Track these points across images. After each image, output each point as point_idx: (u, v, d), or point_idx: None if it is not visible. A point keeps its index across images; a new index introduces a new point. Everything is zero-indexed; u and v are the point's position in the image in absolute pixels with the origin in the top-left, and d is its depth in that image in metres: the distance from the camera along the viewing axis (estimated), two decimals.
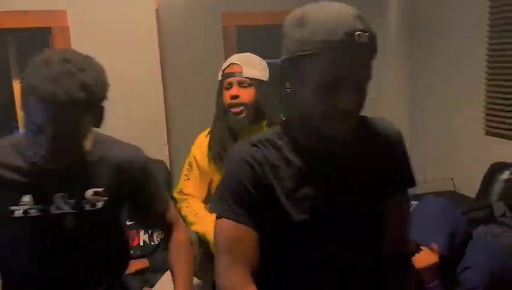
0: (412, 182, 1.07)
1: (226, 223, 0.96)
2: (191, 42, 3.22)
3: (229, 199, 0.96)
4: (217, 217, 0.99)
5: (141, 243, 2.22)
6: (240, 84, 1.68)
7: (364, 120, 1.03)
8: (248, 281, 0.93)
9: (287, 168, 0.97)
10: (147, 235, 2.24)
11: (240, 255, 0.94)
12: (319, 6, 0.90)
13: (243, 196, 0.95)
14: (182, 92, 3.18)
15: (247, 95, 1.68)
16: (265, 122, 1.72)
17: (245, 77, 1.68)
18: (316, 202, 0.96)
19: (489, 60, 2.91)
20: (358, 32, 0.84)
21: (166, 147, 2.99)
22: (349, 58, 0.86)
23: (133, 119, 2.93)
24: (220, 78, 1.75)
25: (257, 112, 1.70)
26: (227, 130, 1.73)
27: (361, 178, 0.98)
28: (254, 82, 1.69)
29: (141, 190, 1.29)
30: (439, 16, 3.35)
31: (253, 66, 1.71)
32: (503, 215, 2.35)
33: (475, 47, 3.00)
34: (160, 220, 1.37)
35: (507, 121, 2.80)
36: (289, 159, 0.97)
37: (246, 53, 1.78)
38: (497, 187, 2.58)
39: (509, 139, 2.81)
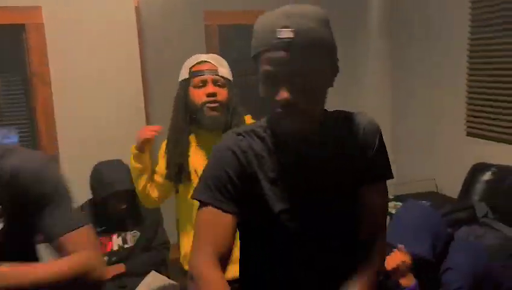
0: (388, 175, 1.06)
1: (206, 209, 0.99)
2: (172, 40, 3.15)
3: (211, 185, 0.99)
4: (200, 204, 1.01)
5: (115, 248, 2.14)
6: (215, 82, 1.59)
7: (337, 115, 1.05)
8: (214, 264, 0.95)
9: (269, 159, 1.01)
10: (120, 238, 2.16)
11: (211, 239, 0.97)
12: (271, 12, 0.96)
13: (226, 183, 0.99)
14: (163, 89, 3.10)
15: (222, 94, 1.60)
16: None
17: (220, 76, 1.60)
18: (293, 193, 0.99)
19: (470, 62, 2.92)
20: (279, 29, 0.90)
21: None
22: (277, 53, 0.91)
23: (113, 116, 2.86)
24: (186, 76, 1.63)
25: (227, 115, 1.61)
26: (187, 145, 1.63)
27: (335, 172, 1.00)
28: (227, 82, 1.62)
29: (36, 206, 1.03)
30: (420, 17, 3.36)
31: (224, 65, 1.64)
32: (485, 216, 2.35)
33: (456, 49, 3.01)
34: (59, 248, 1.04)
35: (488, 122, 2.82)
36: (271, 150, 1.01)
37: (210, 54, 1.70)
38: (479, 188, 2.58)
39: (490, 139, 2.83)
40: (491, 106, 2.78)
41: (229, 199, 0.98)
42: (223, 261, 0.96)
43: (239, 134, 1.03)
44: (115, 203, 2.12)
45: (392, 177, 1.06)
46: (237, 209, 0.98)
